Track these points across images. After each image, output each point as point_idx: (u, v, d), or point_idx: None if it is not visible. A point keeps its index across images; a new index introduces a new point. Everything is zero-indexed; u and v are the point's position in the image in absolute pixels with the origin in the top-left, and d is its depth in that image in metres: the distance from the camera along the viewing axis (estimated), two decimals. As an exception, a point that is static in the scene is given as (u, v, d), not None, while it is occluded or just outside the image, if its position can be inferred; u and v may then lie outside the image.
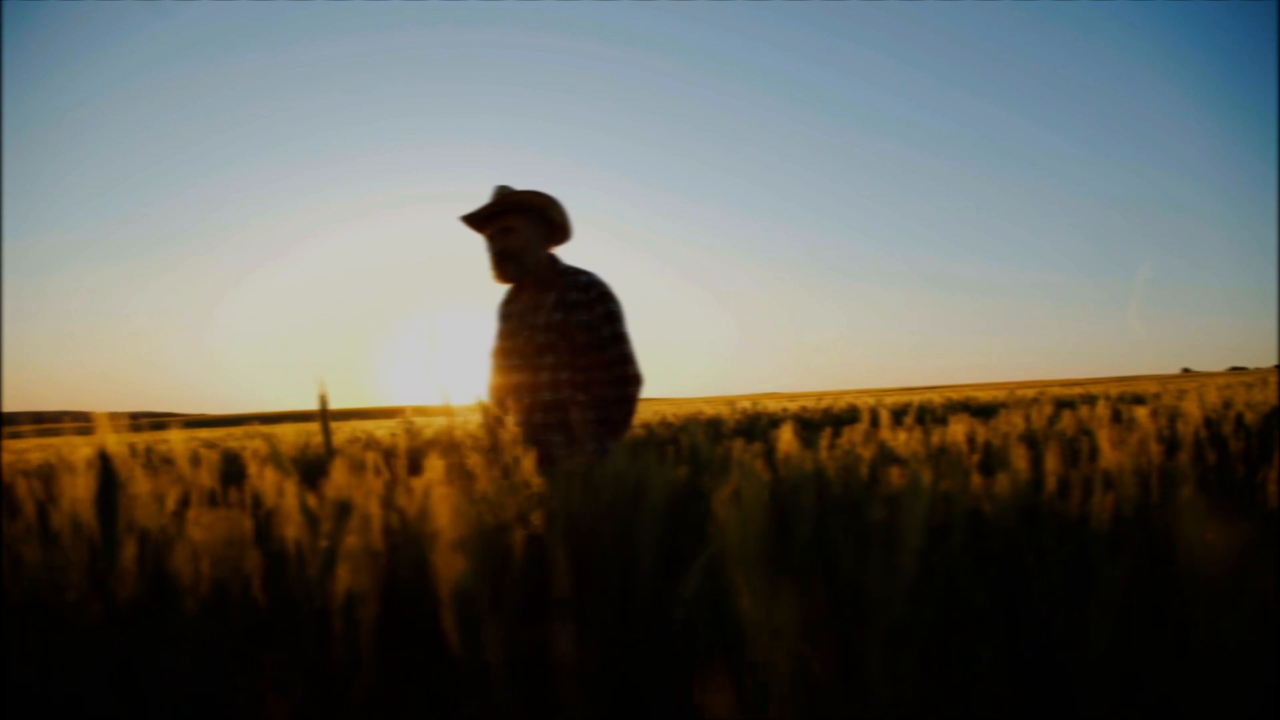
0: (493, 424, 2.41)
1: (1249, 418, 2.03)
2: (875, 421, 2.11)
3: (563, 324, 2.37)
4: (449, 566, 0.51)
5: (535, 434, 2.36)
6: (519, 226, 2.47)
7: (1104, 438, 1.41)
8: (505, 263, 2.49)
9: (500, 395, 2.46)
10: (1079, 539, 0.67)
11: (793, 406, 15.23)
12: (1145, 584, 0.52)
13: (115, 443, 0.88)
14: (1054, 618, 0.49)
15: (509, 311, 2.56)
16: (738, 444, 1.55)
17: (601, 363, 2.39)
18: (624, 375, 2.41)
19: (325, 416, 1.00)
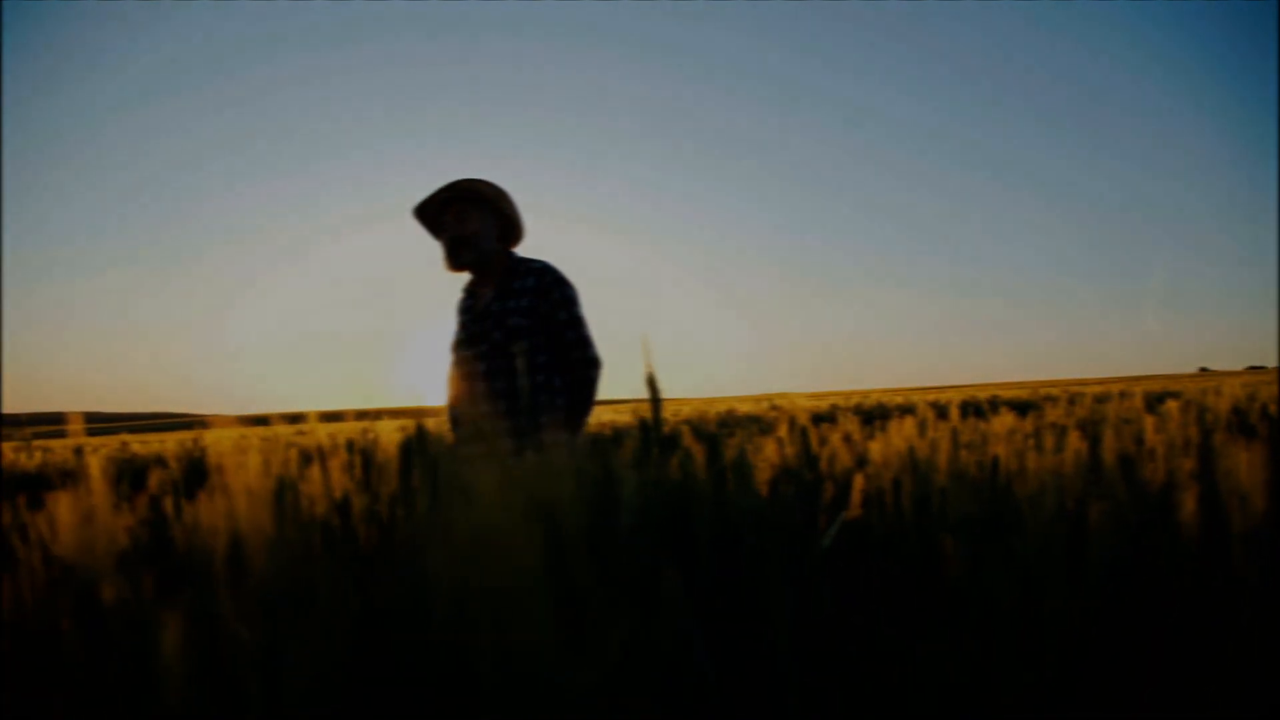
0: (461, 417, 2.33)
1: (1272, 409, 2.15)
2: (918, 416, 2.26)
3: (519, 312, 2.28)
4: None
5: (499, 424, 2.25)
6: (472, 214, 2.37)
7: (1148, 423, 1.57)
8: (459, 249, 2.37)
9: (462, 388, 2.36)
10: (1142, 491, 0.84)
11: (823, 405, 15.18)
12: (1203, 517, 0.69)
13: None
14: (1142, 537, 0.66)
15: (466, 305, 2.47)
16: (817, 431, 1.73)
17: (560, 348, 2.30)
18: (583, 359, 2.31)
19: (656, 402, 1.09)
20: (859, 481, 0.98)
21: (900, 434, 1.74)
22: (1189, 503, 0.67)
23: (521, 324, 2.27)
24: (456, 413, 2.38)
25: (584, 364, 2.31)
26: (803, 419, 1.53)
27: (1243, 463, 0.70)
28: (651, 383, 0.97)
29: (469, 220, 2.36)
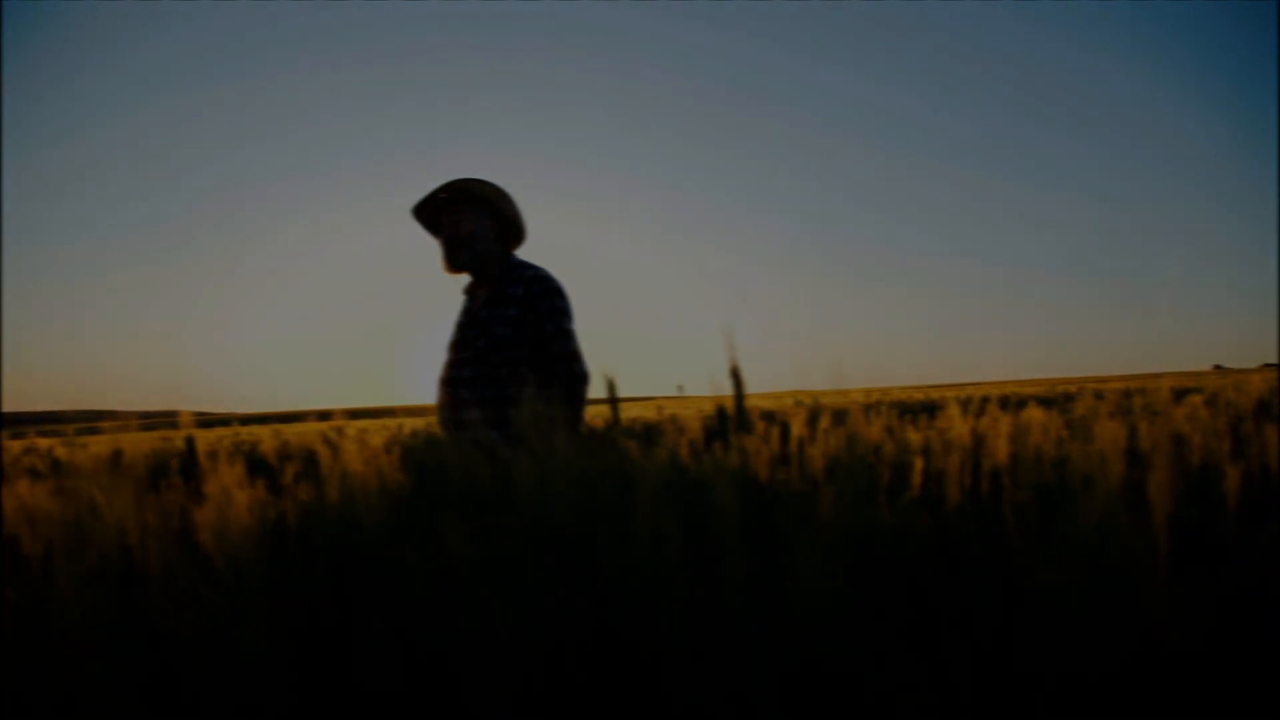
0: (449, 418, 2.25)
1: (1296, 401, 2.19)
2: (953, 409, 2.31)
3: (505, 321, 2.20)
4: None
5: (481, 430, 2.16)
6: (468, 215, 2.30)
7: (1178, 414, 1.63)
8: (456, 249, 2.30)
9: (448, 393, 2.28)
10: (1188, 467, 0.92)
11: (844, 401, 15.13)
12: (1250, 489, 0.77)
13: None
14: (1187, 511, 0.74)
15: (465, 306, 2.41)
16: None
17: (547, 360, 2.19)
18: (569, 373, 2.19)
19: (740, 395, 1.16)
20: (919, 464, 1.06)
21: (947, 423, 1.80)
22: (1234, 476, 0.75)
23: (507, 333, 2.20)
24: (444, 416, 2.29)
25: (570, 378, 2.19)
26: (856, 411, 1.59)
27: (1274, 443, 0.77)
28: (735, 374, 1.05)
29: (465, 221, 2.30)
